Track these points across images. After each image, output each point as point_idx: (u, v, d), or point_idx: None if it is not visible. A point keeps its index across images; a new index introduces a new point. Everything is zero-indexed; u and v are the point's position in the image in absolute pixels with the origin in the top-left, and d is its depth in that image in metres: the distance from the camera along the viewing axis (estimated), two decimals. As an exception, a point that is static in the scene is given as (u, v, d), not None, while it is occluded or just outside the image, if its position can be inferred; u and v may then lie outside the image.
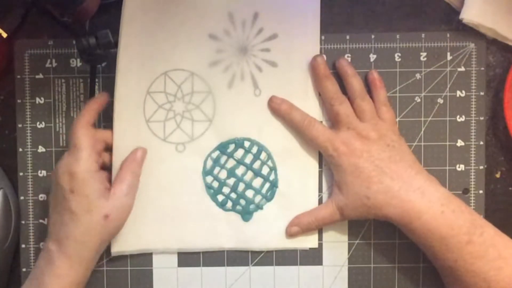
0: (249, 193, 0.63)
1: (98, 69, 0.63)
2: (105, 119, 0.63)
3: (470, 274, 0.56)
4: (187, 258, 0.64)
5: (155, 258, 0.64)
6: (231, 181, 0.63)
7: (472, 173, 0.64)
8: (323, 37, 0.63)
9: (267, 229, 0.64)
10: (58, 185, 0.57)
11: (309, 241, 0.64)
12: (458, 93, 0.64)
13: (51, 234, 0.58)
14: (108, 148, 0.62)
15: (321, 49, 0.63)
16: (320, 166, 0.64)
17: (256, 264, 0.64)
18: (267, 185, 0.63)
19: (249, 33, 0.63)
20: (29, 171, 0.64)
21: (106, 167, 0.61)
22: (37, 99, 0.64)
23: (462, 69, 0.64)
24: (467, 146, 0.64)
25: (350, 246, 0.64)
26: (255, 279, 0.64)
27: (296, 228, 0.62)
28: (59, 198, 0.57)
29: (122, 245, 0.63)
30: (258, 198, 0.63)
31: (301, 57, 0.63)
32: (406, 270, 0.64)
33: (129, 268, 0.64)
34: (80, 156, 0.57)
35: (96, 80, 0.63)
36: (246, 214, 0.63)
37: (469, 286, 0.57)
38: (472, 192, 0.64)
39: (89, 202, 0.57)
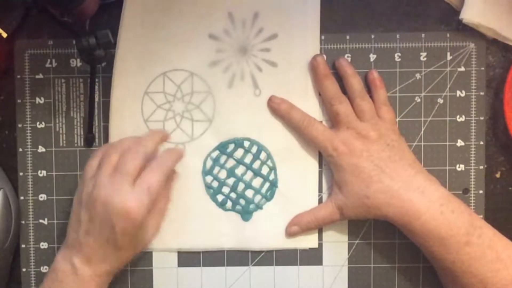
0: (249, 193, 0.63)
1: (98, 69, 0.63)
2: (105, 119, 0.63)
3: (468, 275, 0.56)
4: (187, 258, 0.64)
5: (155, 258, 0.64)
6: (231, 181, 0.64)
7: (472, 173, 0.64)
8: (323, 37, 0.63)
9: (267, 229, 0.64)
10: (109, 223, 0.54)
11: (309, 241, 0.64)
12: (458, 93, 0.64)
13: (79, 251, 0.56)
14: None
15: (321, 49, 0.63)
16: (320, 166, 0.64)
17: (256, 264, 0.64)
18: (267, 184, 0.63)
19: (249, 33, 0.63)
20: (29, 171, 0.64)
21: None
22: (37, 99, 0.64)
23: (462, 69, 0.64)
24: (467, 146, 0.64)
25: (350, 246, 0.64)
26: (255, 279, 0.64)
27: (296, 228, 0.62)
28: (105, 231, 0.55)
29: (122, 245, 0.63)
30: (258, 198, 0.63)
31: (301, 57, 0.63)
32: (406, 270, 0.64)
33: (129, 268, 0.64)
34: None
35: (96, 80, 0.63)
36: (246, 214, 0.63)
37: (466, 287, 0.57)
38: (472, 192, 0.64)
39: (137, 242, 0.57)
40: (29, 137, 0.64)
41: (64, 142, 0.64)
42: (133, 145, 0.57)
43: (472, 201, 0.64)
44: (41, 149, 0.64)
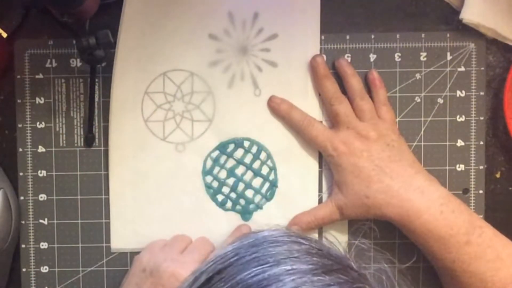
0: (249, 193, 0.63)
1: (98, 69, 0.63)
2: (105, 119, 0.63)
3: (468, 274, 0.56)
4: (187, 258, 0.64)
5: (155, 258, 0.64)
6: (231, 181, 0.63)
7: (472, 173, 0.64)
8: (323, 37, 0.63)
9: (267, 229, 0.63)
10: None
11: (309, 241, 0.64)
12: (458, 93, 0.64)
13: None
14: None
15: (321, 49, 0.63)
16: (320, 166, 0.64)
17: (256, 264, 0.64)
18: (267, 184, 0.63)
19: (249, 33, 0.63)
20: (29, 171, 0.64)
21: None
22: (37, 99, 0.64)
23: (462, 69, 0.64)
24: (467, 146, 0.64)
25: (350, 246, 0.64)
26: (255, 279, 0.64)
27: (296, 228, 0.62)
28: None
29: (122, 243, 0.63)
30: (257, 198, 0.63)
31: (301, 57, 0.63)
32: (406, 270, 0.64)
33: (129, 268, 0.64)
34: None
35: (96, 80, 0.63)
36: (245, 214, 0.63)
37: (466, 286, 0.57)
38: (472, 192, 0.64)
39: None
40: (29, 137, 0.64)
41: (64, 142, 0.64)
42: (203, 238, 0.62)
43: (472, 201, 0.64)
44: (41, 149, 0.64)
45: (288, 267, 0.35)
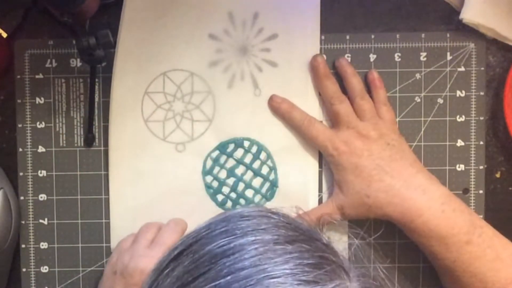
0: (249, 193, 0.63)
1: (98, 69, 0.63)
2: (105, 119, 0.63)
3: (468, 274, 0.56)
4: (187, 258, 0.64)
5: (155, 258, 0.64)
6: (231, 180, 0.64)
7: (472, 173, 0.64)
8: (323, 37, 0.63)
9: (267, 229, 0.63)
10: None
11: (309, 241, 0.64)
12: (458, 93, 0.64)
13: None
14: None
15: (321, 49, 0.63)
16: (320, 166, 0.64)
17: (256, 264, 0.64)
18: (267, 184, 0.64)
19: (249, 33, 0.63)
20: (29, 171, 0.64)
21: None
22: (37, 99, 0.64)
23: (462, 69, 0.64)
24: (467, 146, 0.64)
25: (350, 246, 0.64)
26: (255, 279, 0.64)
27: (296, 228, 0.62)
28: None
29: (122, 244, 0.63)
30: (258, 198, 0.64)
31: (301, 57, 0.63)
32: (406, 270, 0.64)
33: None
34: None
35: (96, 80, 0.63)
36: (246, 214, 0.63)
37: (466, 287, 0.57)
38: (472, 192, 0.64)
39: None
40: (29, 137, 0.64)
41: (64, 142, 0.64)
42: (171, 223, 0.60)
43: (472, 201, 0.64)
44: (41, 149, 0.64)
45: (253, 238, 0.37)
